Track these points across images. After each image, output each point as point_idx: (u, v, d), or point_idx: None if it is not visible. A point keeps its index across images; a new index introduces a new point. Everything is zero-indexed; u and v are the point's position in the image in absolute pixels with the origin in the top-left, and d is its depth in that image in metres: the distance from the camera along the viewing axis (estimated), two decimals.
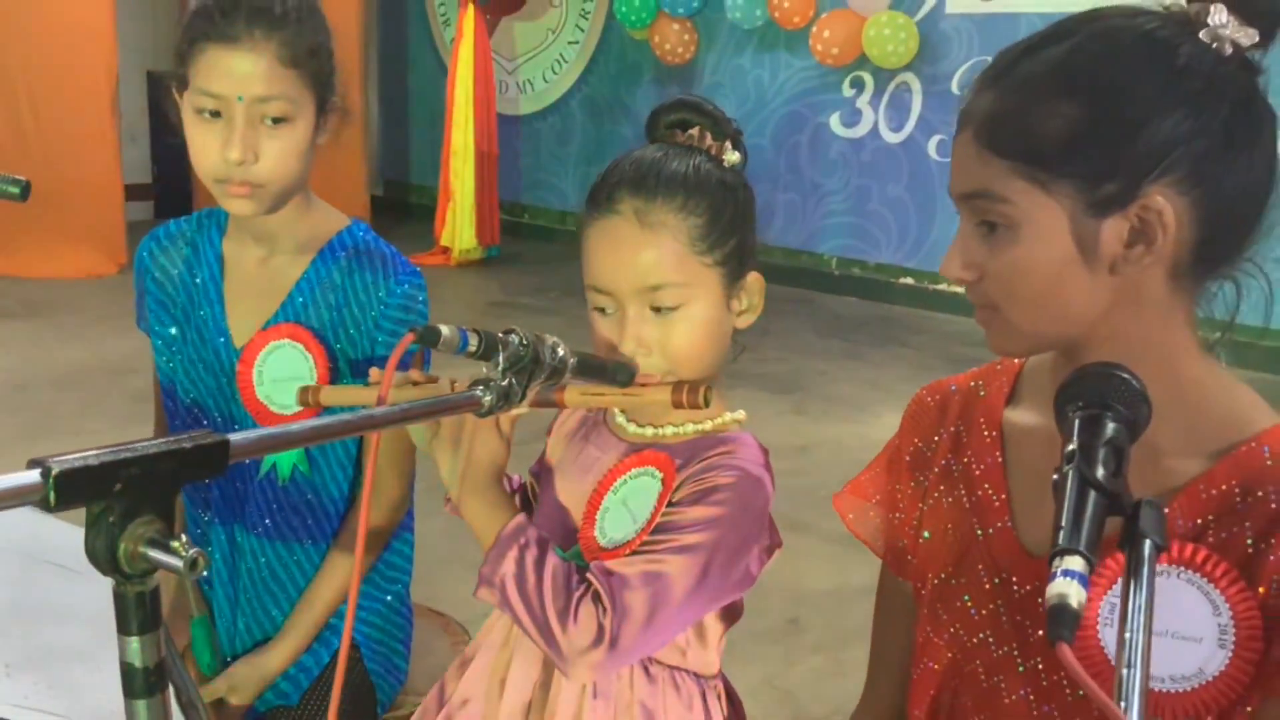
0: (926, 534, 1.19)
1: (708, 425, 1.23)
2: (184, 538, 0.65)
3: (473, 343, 0.96)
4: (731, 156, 1.24)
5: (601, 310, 1.21)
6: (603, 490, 1.21)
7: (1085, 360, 0.92)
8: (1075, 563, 0.74)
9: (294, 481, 1.56)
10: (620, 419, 1.27)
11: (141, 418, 1.77)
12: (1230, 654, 0.95)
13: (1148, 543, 0.78)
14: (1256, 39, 0.96)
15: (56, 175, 5.92)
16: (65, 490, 0.60)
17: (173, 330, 1.60)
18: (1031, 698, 1.09)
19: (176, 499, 0.67)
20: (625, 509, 1.19)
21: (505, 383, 0.98)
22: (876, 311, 6.17)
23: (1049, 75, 0.99)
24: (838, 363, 5.22)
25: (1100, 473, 0.80)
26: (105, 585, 0.65)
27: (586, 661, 1.11)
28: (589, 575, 1.14)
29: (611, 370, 1.14)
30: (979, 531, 1.13)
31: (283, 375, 1.51)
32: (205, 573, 1.60)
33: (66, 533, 1.21)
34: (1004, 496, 1.12)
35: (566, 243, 6.21)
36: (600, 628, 1.10)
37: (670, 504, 1.16)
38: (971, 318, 1.09)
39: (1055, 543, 0.76)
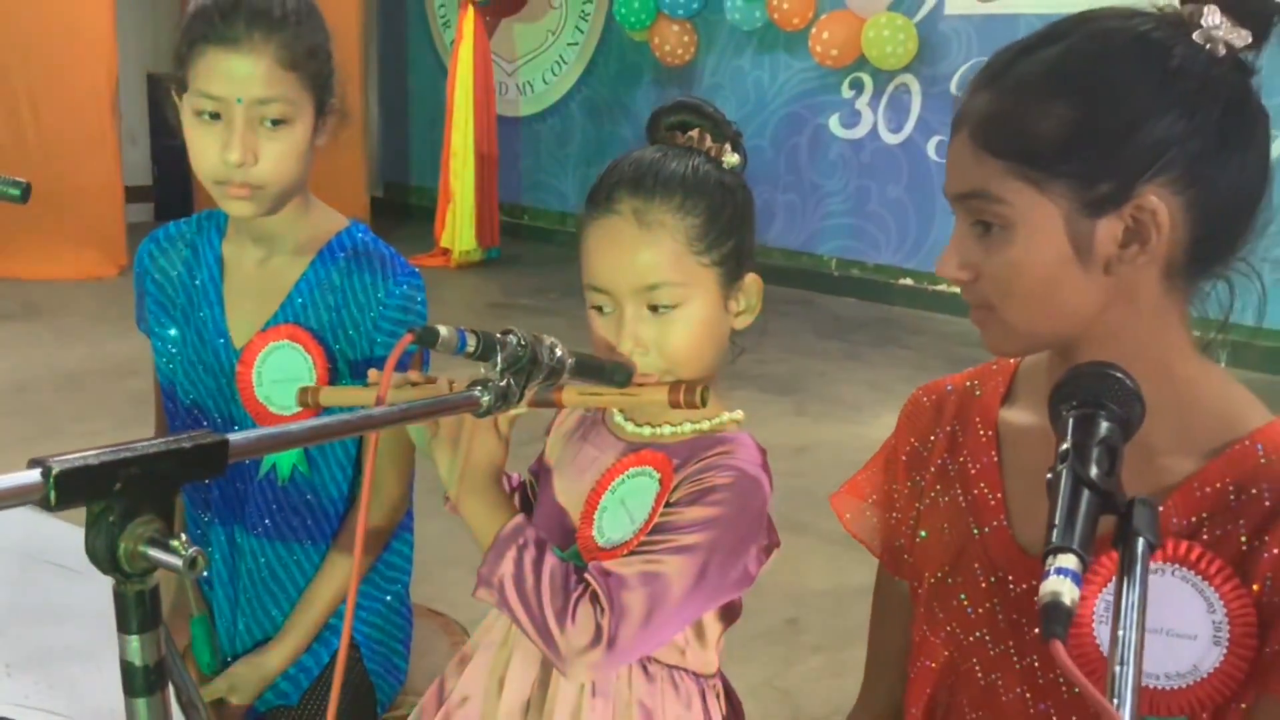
0: (923, 533, 1.20)
1: (705, 425, 1.23)
2: (183, 537, 0.65)
3: (471, 343, 0.97)
4: (731, 158, 1.25)
5: (600, 309, 1.21)
6: (600, 490, 1.21)
7: (1080, 359, 0.93)
8: (1069, 561, 0.75)
9: (294, 482, 1.57)
10: (618, 418, 1.28)
11: (142, 419, 1.77)
12: (1225, 651, 0.96)
13: (1141, 541, 0.79)
14: (1249, 40, 0.97)
15: (57, 177, 5.92)
16: (65, 490, 0.61)
17: (172, 331, 1.61)
18: (1028, 695, 1.10)
19: (176, 499, 0.68)
20: (623, 508, 1.19)
21: (503, 383, 0.99)
22: (876, 312, 6.17)
23: (1044, 76, 0.99)
24: (837, 363, 5.22)
25: (1094, 472, 0.80)
26: (105, 584, 0.66)
27: (584, 661, 1.11)
28: (587, 575, 1.14)
29: (609, 370, 1.15)
30: (975, 530, 1.14)
31: (282, 376, 1.51)
32: (205, 573, 1.61)
33: (66, 532, 1.22)
34: (1000, 496, 1.13)
35: (566, 244, 6.22)
36: (598, 628, 1.10)
37: (668, 504, 1.17)
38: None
39: (1049, 541, 0.76)
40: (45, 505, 0.61)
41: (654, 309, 1.18)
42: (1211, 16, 0.96)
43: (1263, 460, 0.99)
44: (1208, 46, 0.97)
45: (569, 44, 7.68)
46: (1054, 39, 1.01)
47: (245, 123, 1.43)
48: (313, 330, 1.53)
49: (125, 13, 6.70)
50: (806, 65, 6.41)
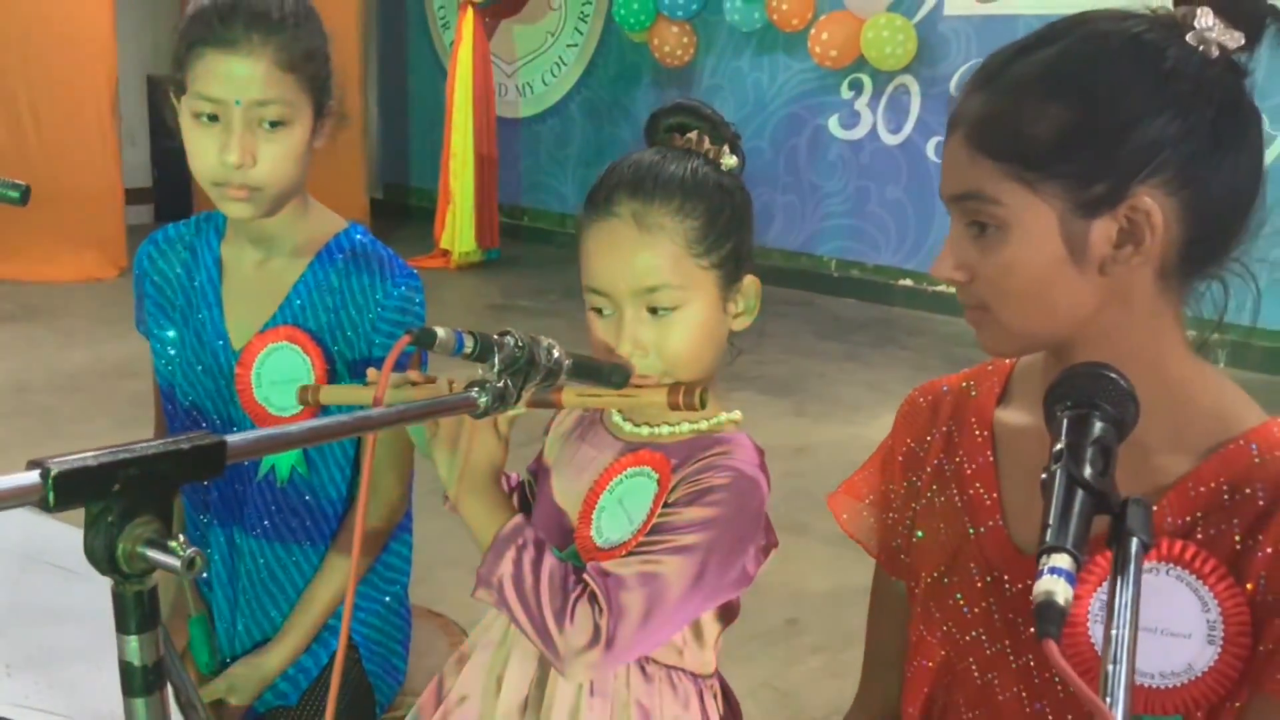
0: (919, 533, 1.20)
1: (703, 425, 1.23)
2: (181, 538, 0.65)
3: (468, 345, 0.97)
4: (729, 160, 1.25)
5: (599, 311, 1.22)
6: (599, 489, 1.22)
7: (1075, 360, 0.93)
8: (1062, 560, 0.75)
9: (292, 483, 1.57)
10: (616, 418, 1.28)
11: (142, 420, 1.78)
12: (1219, 650, 0.96)
13: (1134, 540, 0.79)
14: (1242, 42, 0.98)
15: (57, 179, 5.92)
16: (64, 491, 0.61)
17: (171, 333, 1.61)
18: (1024, 695, 1.10)
19: (175, 500, 0.68)
20: (621, 508, 1.19)
21: (500, 384, 0.99)
22: (875, 313, 6.18)
23: (1038, 78, 1.00)
24: (837, 364, 5.22)
25: (1088, 472, 0.81)
26: (104, 585, 0.66)
27: (583, 661, 1.12)
28: (585, 576, 1.14)
29: (607, 372, 1.15)
30: (971, 530, 1.14)
31: (281, 377, 1.52)
32: (204, 574, 1.61)
33: (65, 533, 1.22)
34: (995, 495, 1.13)
35: (566, 245, 6.22)
36: (596, 628, 1.11)
37: (666, 504, 1.17)
38: None
39: (1043, 541, 0.77)
40: (44, 506, 0.61)
41: (653, 311, 1.18)
42: (1205, 18, 0.97)
43: (1257, 460, 1.00)
44: (1201, 48, 0.97)
45: (568, 45, 7.68)
46: (1048, 41, 1.01)
47: (243, 124, 1.44)
48: (311, 331, 1.53)
49: (125, 15, 6.71)
50: (806, 66, 6.42)
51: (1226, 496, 1.00)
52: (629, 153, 1.25)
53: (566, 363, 1.06)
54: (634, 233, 1.18)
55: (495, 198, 7.25)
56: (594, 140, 7.66)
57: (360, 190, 7.70)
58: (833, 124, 6.46)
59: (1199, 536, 1.00)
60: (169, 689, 0.72)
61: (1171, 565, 0.98)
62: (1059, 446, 0.83)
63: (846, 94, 6.37)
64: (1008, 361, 1.19)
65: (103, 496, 0.63)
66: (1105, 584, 0.98)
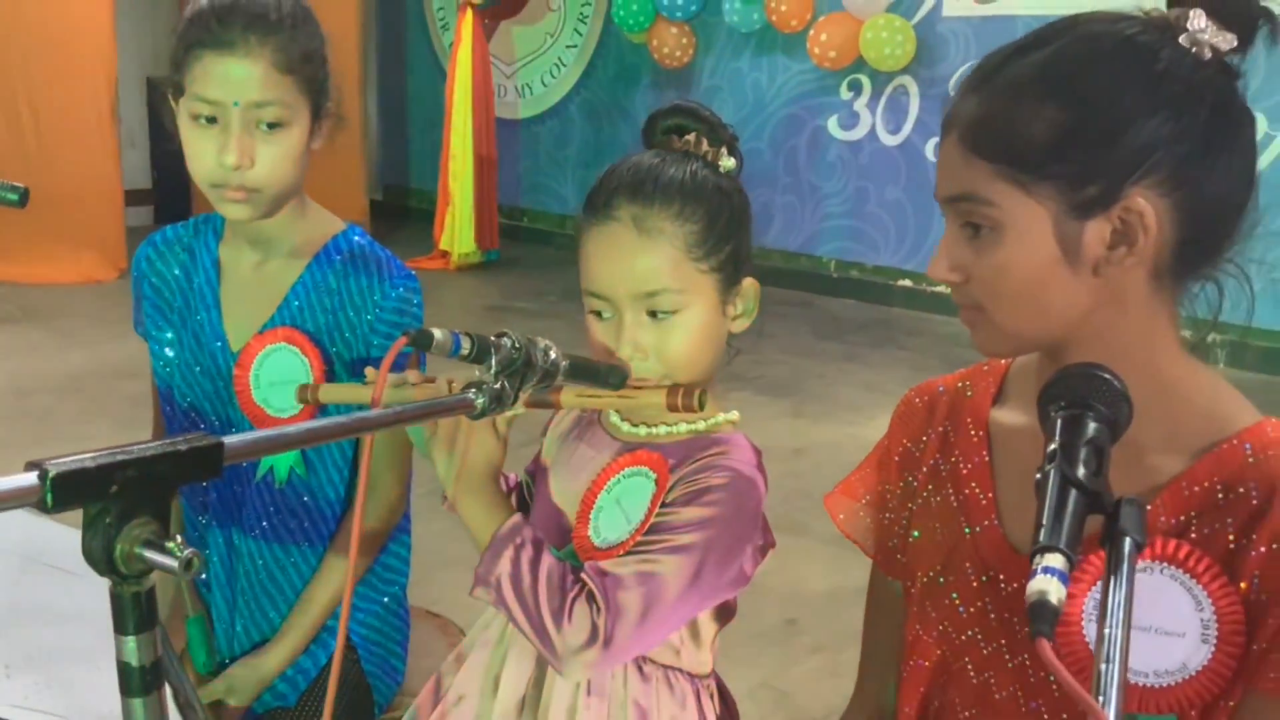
0: (915, 533, 1.21)
1: (701, 426, 1.24)
2: (179, 539, 0.66)
3: (465, 346, 0.98)
4: (727, 162, 1.25)
5: (598, 314, 1.22)
6: (596, 489, 1.22)
7: (1069, 360, 0.94)
8: (1055, 560, 0.76)
9: (291, 484, 1.57)
10: (614, 418, 1.29)
11: (142, 422, 1.78)
12: (1213, 649, 0.97)
13: (1128, 540, 0.80)
14: (1235, 44, 0.98)
15: (56, 181, 5.92)
16: (62, 492, 0.61)
17: (169, 335, 1.61)
18: (1020, 694, 1.10)
19: (174, 501, 0.68)
20: (619, 508, 1.20)
21: (498, 385, 0.99)
22: (875, 314, 6.18)
23: (1032, 80, 1.00)
24: (836, 365, 5.23)
25: (1081, 472, 0.81)
26: (103, 586, 0.66)
27: (581, 660, 1.12)
28: (583, 575, 1.15)
29: (604, 373, 1.16)
30: (966, 530, 1.14)
31: (279, 378, 1.52)
32: (203, 575, 1.62)
33: (64, 534, 1.23)
34: (991, 495, 1.14)
35: (565, 246, 6.21)
36: (594, 627, 1.11)
37: (664, 504, 1.17)
38: None
39: (1036, 541, 0.77)
40: (42, 508, 0.61)
41: (653, 315, 1.19)
42: (1197, 20, 0.97)
43: (1250, 459, 1.00)
44: (1194, 50, 0.97)
45: (568, 46, 7.69)
46: (1042, 43, 1.02)
47: (241, 126, 1.44)
48: (309, 333, 1.54)
49: (124, 17, 6.71)
50: (805, 67, 6.42)
51: (1220, 496, 1.00)
52: (628, 155, 1.26)
53: (563, 364, 1.07)
54: (634, 237, 1.18)
55: (494, 199, 7.25)
56: (593, 141, 7.67)
57: (360, 191, 7.70)
58: (832, 125, 6.46)
59: (1193, 536, 1.00)
60: (167, 689, 0.72)
61: (1165, 564, 0.99)
62: (1053, 447, 0.84)
63: (845, 95, 6.37)
64: (1003, 362, 1.20)
65: (100, 498, 0.64)
66: (1100, 583, 0.98)
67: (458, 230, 7.04)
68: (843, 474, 1.32)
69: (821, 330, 5.81)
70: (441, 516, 1.27)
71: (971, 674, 1.14)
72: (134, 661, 0.67)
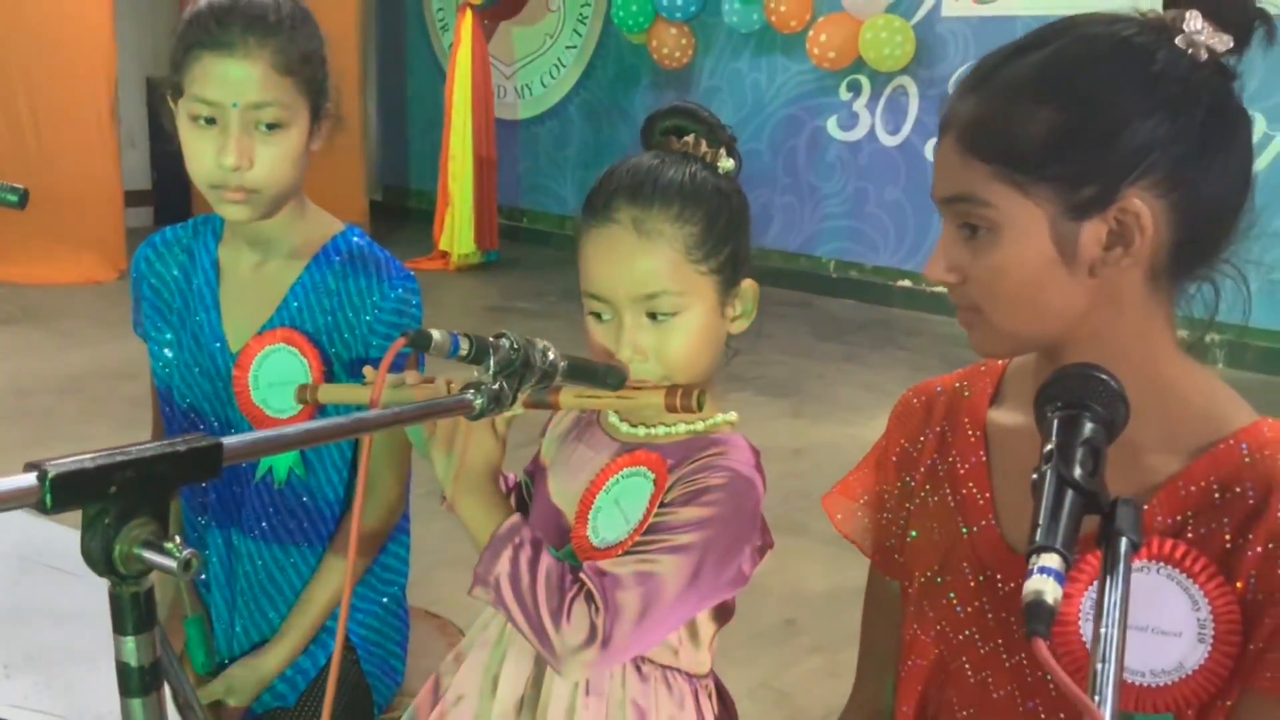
0: (913, 533, 1.21)
1: (699, 426, 1.24)
2: (178, 539, 0.66)
3: (463, 347, 0.98)
4: (726, 163, 1.25)
5: (598, 316, 1.22)
6: (595, 489, 1.22)
7: (1066, 361, 0.94)
8: (1052, 560, 0.76)
9: (290, 485, 1.58)
10: (613, 419, 1.29)
11: (142, 422, 1.78)
12: (1209, 648, 0.97)
13: (1123, 540, 0.80)
14: (1230, 45, 0.98)
15: (56, 181, 5.93)
16: (61, 493, 0.61)
17: (169, 335, 1.61)
18: (1017, 693, 1.11)
19: (173, 502, 0.69)
20: (617, 508, 1.20)
21: (496, 386, 1.00)
22: (874, 314, 6.18)
23: (1029, 81, 1.00)
24: (835, 365, 5.23)
25: (1077, 472, 0.82)
26: (102, 586, 0.67)
27: (579, 660, 1.12)
28: (582, 575, 1.15)
29: (602, 374, 1.16)
30: (964, 530, 1.15)
31: (278, 379, 1.52)
32: (203, 575, 1.62)
33: (63, 535, 1.23)
34: (988, 495, 1.14)
35: (565, 247, 6.21)
36: (593, 627, 1.11)
37: (662, 504, 1.18)
38: None
39: (1032, 541, 0.78)
40: (41, 509, 0.61)
41: (652, 317, 1.19)
42: (1193, 22, 0.98)
43: (1246, 459, 1.00)
44: (1190, 51, 0.98)
45: (567, 47, 7.69)
46: (1039, 44, 1.02)
47: (240, 127, 1.44)
48: (308, 334, 1.54)
49: (124, 17, 6.71)
50: (804, 67, 6.42)
51: (1217, 496, 1.01)
52: (627, 156, 1.26)
53: (561, 365, 1.07)
54: (633, 239, 1.18)
55: (494, 199, 7.25)
56: (593, 142, 7.67)
57: (360, 192, 7.71)
58: (831, 125, 6.47)
59: (1189, 535, 1.01)
60: (166, 690, 0.72)
61: (1162, 564, 0.99)
62: (1049, 447, 0.84)
63: (845, 95, 6.38)
64: (1000, 362, 1.20)
65: (99, 498, 0.64)
66: (1097, 582, 0.99)
67: (457, 231, 7.04)
68: (842, 474, 1.32)
69: (821, 331, 5.82)
70: (441, 517, 1.27)
71: (969, 673, 1.14)
72: (133, 662, 0.67)
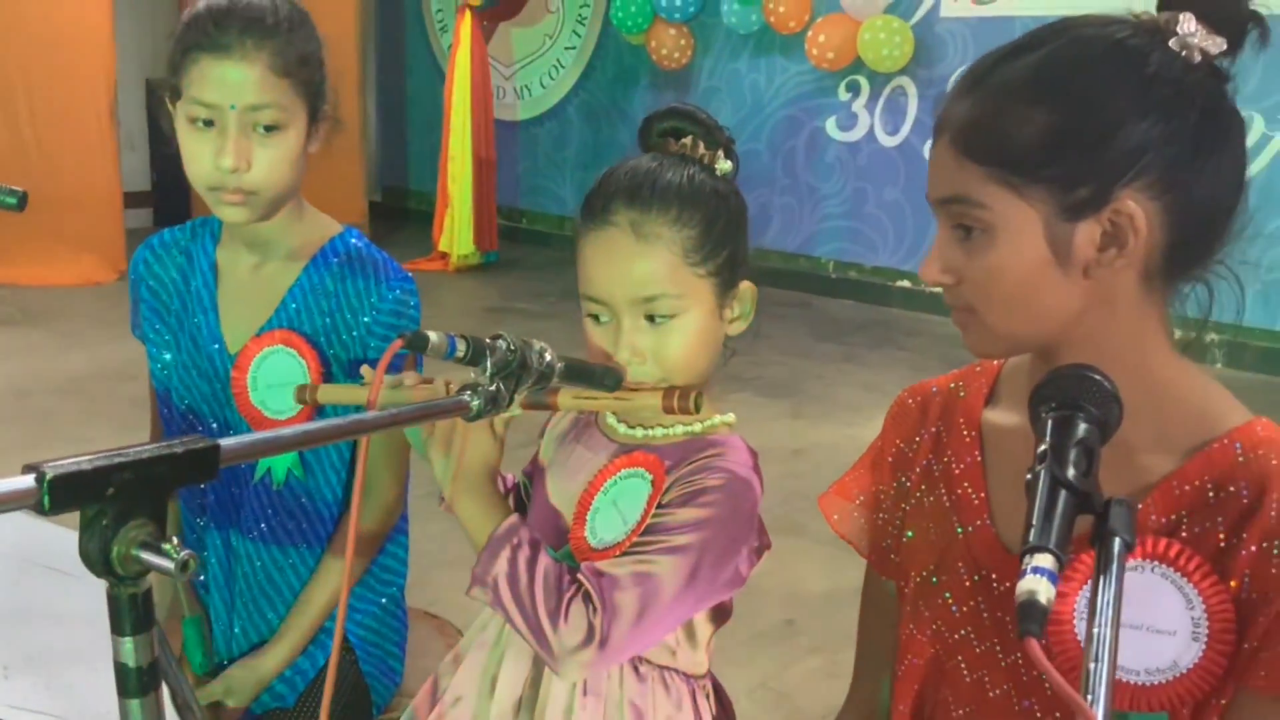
0: (909, 533, 1.21)
1: (697, 427, 1.24)
2: (175, 540, 0.66)
3: (460, 348, 0.98)
4: (724, 165, 1.26)
5: (596, 318, 1.22)
6: (593, 490, 1.22)
7: (1060, 361, 0.94)
8: (1045, 560, 0.76)
9: (288, 486, 1.58)
10: (611, 420, 1.29)
11: (142, 423, 1.78)
12: (1204, 647, 0.97)
13: (1117, 540, 0.80)
14: (1224, 47, 0.99)
15: (56, 183, 5.93)
16: (59, 495, 0.62)
17: (167, 337, 1.62)
18: (1013, 693, 1.11)
19: (171, 503, 0.69)
20: (615, 509, 1.20)
21: (493, 388, 1.00)
22: (873, 315, 6.18)
23: (1023, 82, 1.01)
24: (834, 366, 5.23)
25: (1071, 473, 0.82)
26: (101, 587, 0.67)
27: (577, 660, 1.13)
28: (580, 575, 1.15)
29: (599, 375, 1.16)
30: (959, 530, 1.15)
31: (277, 381, 1.53)
32: (201, 576, 1.62)
33: (61, 536, 1.23)
34: (983, 495, 1.14)
35: (564, 248, 6.21)
36: (590, 627, 1.12)
37: (660, 505, 1.18)
38: None
39: (1026, 541, 0.78)
40: (39, 510, 0.62)
41: (651, 319, 1.19)
42: (1187, 24, 0.98)
43: (1240, 459, 1.01)
44: (1183, 53, 0.98)
45: (566, 48, 7.69)
46: (1033, 46, 1.03)
47: (239, 129, 1.45)
48: (306, 335, 1.54)
49: (124, 19, 6.71)
50: (803, 68, 6.43)
51: (1211, 495, 1.01)
52: (626, 158, 1.26)
53: (559, 366, 1.07)
54: (631, 242, 1.19)
55: (493, 200, 7.25)
56: (592, 143, 7.67)
57: (359, 193, 7.71)
58: (830, 126, 6.47)
59: (1184, 535, 1.01)
60: (165, 690, 0.73)
61: (1156, 563, 0.99)
62: (1043, 447, 0.84)
63: (844, 96, 6.38)
64: (995, 363, 1.20)
65: (97, 500, 0.64)
66: (1091, 582, 0.99)
67: (457, 232, 7.05)
68: (841, 475, 1.33)
69: (820, 331, 5.82)
70: (439, 517, 1.28)
71: (965, 673, 1.14)
72: (131, 662, 0.67)
